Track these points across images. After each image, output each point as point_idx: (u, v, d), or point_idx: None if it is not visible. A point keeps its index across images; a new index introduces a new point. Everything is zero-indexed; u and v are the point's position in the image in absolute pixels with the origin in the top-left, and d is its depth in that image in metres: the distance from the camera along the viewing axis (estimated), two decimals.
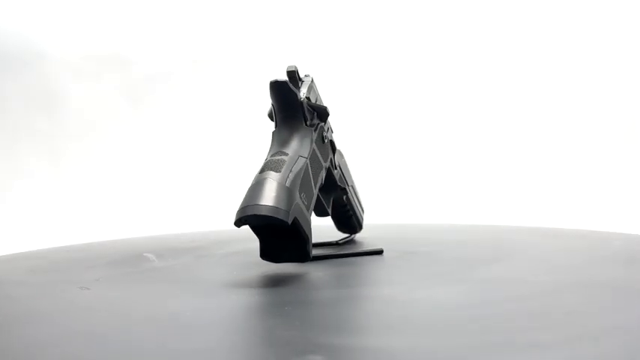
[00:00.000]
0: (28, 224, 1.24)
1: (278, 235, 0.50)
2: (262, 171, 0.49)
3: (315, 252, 0.61)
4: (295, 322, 0.35)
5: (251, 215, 0.46)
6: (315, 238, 0.69)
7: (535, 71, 1.41)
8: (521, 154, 1.40)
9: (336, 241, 0.69)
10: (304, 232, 0.49)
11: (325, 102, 0.64)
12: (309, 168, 0.53)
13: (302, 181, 0.50)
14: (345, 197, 0.66)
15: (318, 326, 0.35)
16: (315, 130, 0.56)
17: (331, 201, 0.64)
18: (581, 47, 1.39)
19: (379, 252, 0.61)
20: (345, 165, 0.68)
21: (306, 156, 0.52)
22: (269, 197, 0.46)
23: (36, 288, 0.48)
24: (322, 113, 0.57)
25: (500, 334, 0.31)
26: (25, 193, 1.28)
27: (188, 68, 1.40)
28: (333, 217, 0.71)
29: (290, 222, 0.46)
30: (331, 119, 0.65)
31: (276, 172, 0.49)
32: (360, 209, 0.72)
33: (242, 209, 0.46)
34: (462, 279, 0.47)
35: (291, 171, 0.49)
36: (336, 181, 0.63)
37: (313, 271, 0.51)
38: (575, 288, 0.42)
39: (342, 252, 0.61)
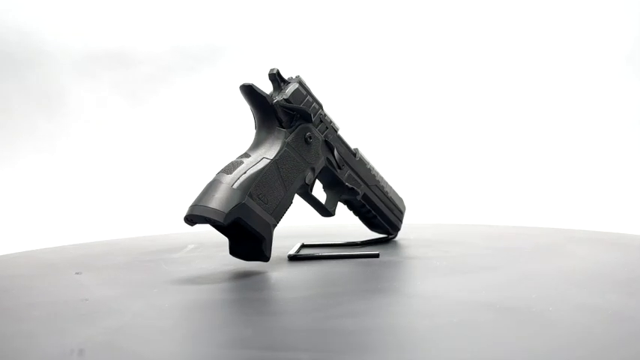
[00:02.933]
0: (27, 223, 1.27)
1: (237, 235, 0.52)
2: (218, 172, 0.51)
3: (311, 252, 0.61)
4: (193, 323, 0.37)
5: (194, 214, 0.48)
6: (343, 238, 0.69)
7: (538, 73, 1.38)
8: (533, 154, 1.37)
9: (360, 242, 0.68)
10: (257, 232, 0.50)
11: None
12: (278, 169, 0.53)
13: (260, 182, 0.51)
14: (359, 197, 0.65)
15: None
16: (293, 132, 0.56)
17: (337, 201, 0.63)
18: (585, 48, 1.37)
19: (375, 256, 0.58)
20: (364, 164, 0.65)
21: (271, 158, 0.53)
22: (209, 198, 0.48)
23: (49, 270, 0.57)
24: (303, 114, 0.56)
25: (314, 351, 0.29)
26: (25, 191, 1.31)
27: (188, 67, 1.40)
28: (359, 218, 0.70)
29: (226, 223, 0.47)
30: (339, 119, 0.64)
31: (228, 173, 0.50)
32: (392, 210, 0.70)
33: (189, 208, 0.49)
34: (407, 293, 0.44)
35: (245, 173, 0.51)
36: (342, 181, 0.62)
37: (284, 271, 0.52)
38: (489, 312, 0.35)
39: (337, 253, 0.60)
